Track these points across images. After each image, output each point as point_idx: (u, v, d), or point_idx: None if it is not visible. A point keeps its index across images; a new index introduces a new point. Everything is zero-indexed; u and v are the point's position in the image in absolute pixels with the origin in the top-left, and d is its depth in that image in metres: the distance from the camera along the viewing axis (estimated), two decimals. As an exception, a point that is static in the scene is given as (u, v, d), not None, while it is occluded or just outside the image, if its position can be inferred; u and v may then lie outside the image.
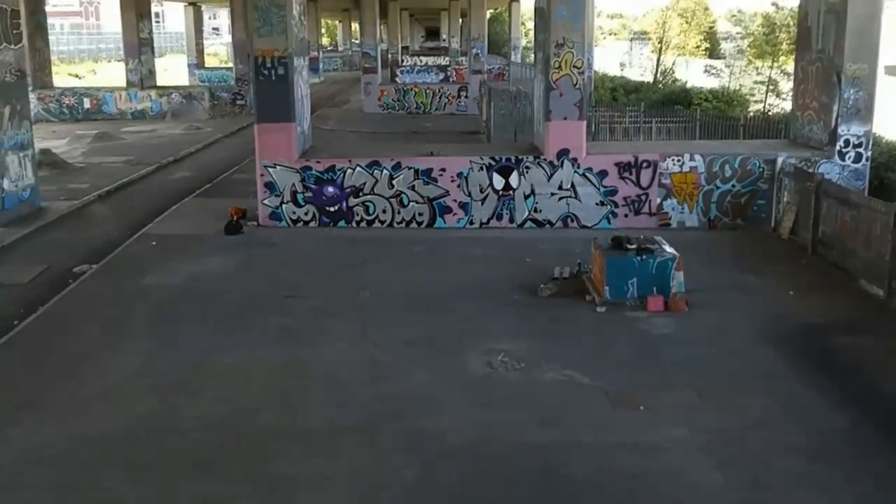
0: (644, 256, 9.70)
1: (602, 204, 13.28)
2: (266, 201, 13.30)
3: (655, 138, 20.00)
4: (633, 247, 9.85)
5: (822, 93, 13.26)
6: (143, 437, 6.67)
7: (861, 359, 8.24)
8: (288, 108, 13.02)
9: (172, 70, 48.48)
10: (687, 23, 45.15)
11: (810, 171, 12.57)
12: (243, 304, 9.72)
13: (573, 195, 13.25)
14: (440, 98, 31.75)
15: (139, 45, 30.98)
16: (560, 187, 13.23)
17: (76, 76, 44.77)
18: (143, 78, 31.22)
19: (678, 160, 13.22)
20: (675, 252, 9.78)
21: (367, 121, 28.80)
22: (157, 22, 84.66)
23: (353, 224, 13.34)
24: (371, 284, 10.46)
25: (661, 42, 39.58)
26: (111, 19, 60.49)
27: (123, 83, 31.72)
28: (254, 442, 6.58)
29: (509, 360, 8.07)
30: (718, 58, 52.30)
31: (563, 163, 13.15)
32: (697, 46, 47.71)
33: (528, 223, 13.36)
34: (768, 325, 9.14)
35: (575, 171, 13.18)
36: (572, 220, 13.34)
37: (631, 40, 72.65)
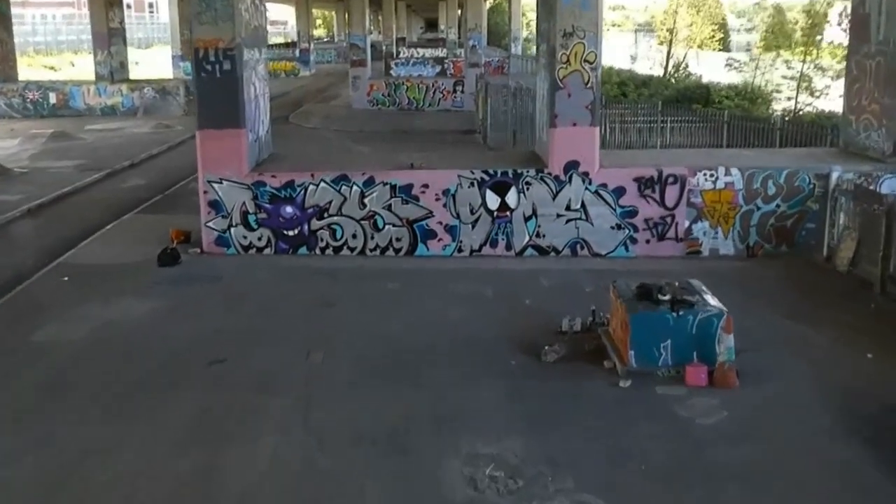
0: (681, 312, 7.40)
1: (618, 227, 10.98)
2: (211, 223, 10.99)
3: (672, 141, 17.74)
4: (667, 298, 7.54)
5: (884, 93, 10.96)
6: None
7: None
8: (235, 110, 10.70)
9: (159, 62, 46.03)
10: (697, 12, 42.67)
11: (876, 189, 10.28)
12: (156, 372, 7.42)
13: (583, 217, 10.95)
14: (434, 93, 29.40)
15: (109, 35, 28.65)
16: (568, 207, 10.93)
17: (52, 68, 42.38)
18: (113, 71, 28.89)
19: (711, 175, 10.91)
20: (720, 306, 7.47)
21: (353, 118, 26.48)
22: (151, 12, 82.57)
23: (317, 251, 11.04)
24: (327, 340, 8.18)
25: (671, 33, 37.13)
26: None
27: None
28: None
29: (501, 474, 5.78)
30: (727, 50, 49.94)
31: (571, 178, 10.85)
32: (711, 37, 45.18)
33: (528, 250, 11.06)
34: (846, 407, 6.84)
35: (586, 188, 10.88)
36: (582, 247, 11.04)
37: (636, 32, 70.40)
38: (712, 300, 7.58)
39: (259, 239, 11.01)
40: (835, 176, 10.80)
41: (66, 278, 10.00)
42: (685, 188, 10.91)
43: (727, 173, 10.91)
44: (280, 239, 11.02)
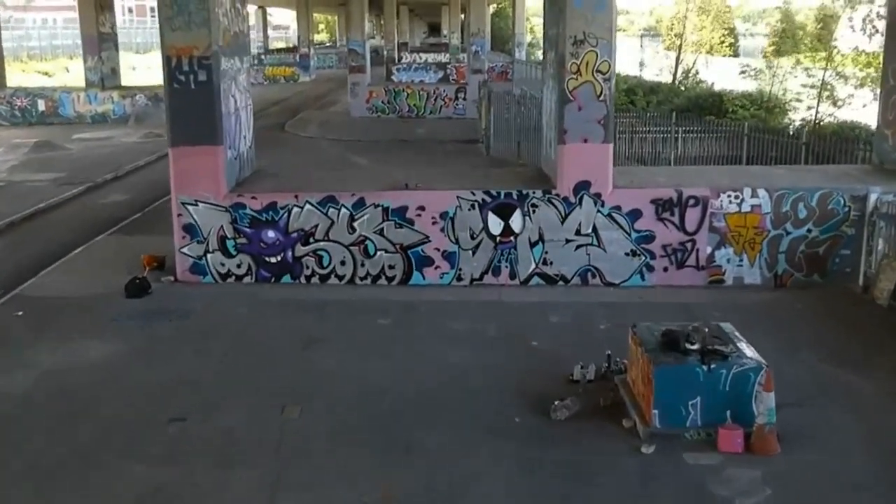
0: (713, 364, 6.38)
1: (634, 254, 9.97)
2: (185, 249, 10.00)
3: (687, 153, 16.72)
4: (696, 347, 6.53)
5: (926, 106, 9.95)
6: None
7: None
8: (212, 125, 9.71)
9: (158, 66, 45.03)
10: (706, 15, 41.54)
11: (921, 214, 9.27)
12: (104, 435, 6.40)
13: (595, 242, 9.94)
14: (436, 100, 28.34)
15: (99, 40, 27.64)
16: (578, 232, 9.92)
17: (45, 74, 41.46)
18: (103, 77, 27.91)
19: (736, 196, 9.89)
20: (758, 358, 6.45)
21: (352, 126, 25.50)
22: (153, 16, 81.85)
23: (302, 279, 10.04)
24: (305, 390, 7.17)
25: (680, 38, 36.05)
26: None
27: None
28: None
29: (505, 580, 4.77)
30: (736, 55, 48.87)
31: (581, 199, 9.84)
32: (721, 42, 44.03)
33: (534, 279, 10.05)
34: (912, 481, 5.84)
35: (598, 211, 9.87)
36: (594, 276, 10.03)
37: (641, 37, 69.46)
38: (748, 350, 6.56)
39: (238, 266, 10.02)
40: (873, 198, 9.79)
41: (20, 313, 8.99)
42: (707, 211, 9.90)
43: (753, 195, 9.88)
44: (261, 266, 10.03)
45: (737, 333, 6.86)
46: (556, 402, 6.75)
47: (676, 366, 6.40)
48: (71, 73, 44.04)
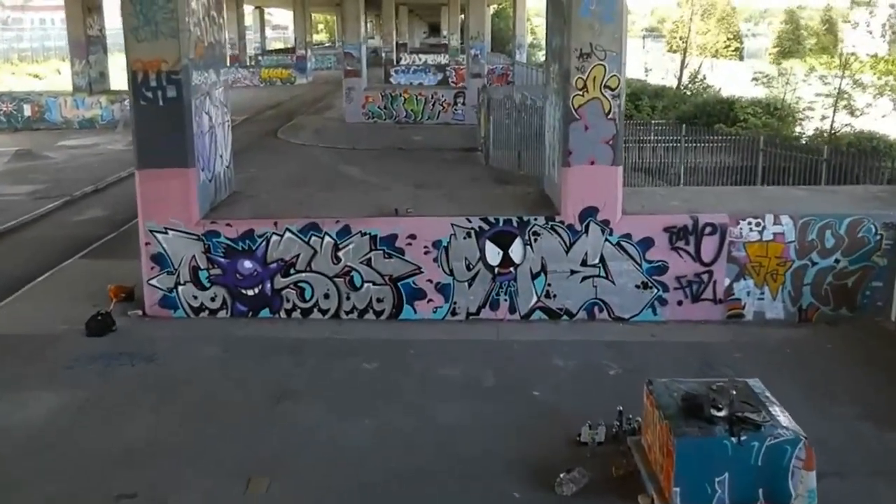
0: (743, 435, 5.51)
1: (645, 286, 9.10)
2: (154, 281, 9.14)
3: (696, 163, 15.86)
4: (723, 414, 5.65)
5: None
6: None
7: None
8: (183, 146, 8.83)
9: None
10: (710, 17, 40.55)
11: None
12: (39, 515, 5.56)
13: (602, 274, 9.07)
14: (434, 105, 27.50)
15: (87, 43, 26.79)
16: (584, 262, 9.05)
17: (36, 76, 40.62)
18: (91, 81, 27.06)
19: (757, 223, 9.01)
20: (795, 428, 5.57)
21: (346, 133, 24.61)
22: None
23: (282, 314, 9.17)
24: (275, 457, 6.30)
25: (684, 41, 35.12)
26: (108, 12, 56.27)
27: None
28: None
29: None
30: (741, 58, 47.99)
31: (588, 227, 8.97)
32: (727, 46, 43.09)
33: (536, 313, 9.18)
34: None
35: (606, 240, 9.00)
36: (601, 310, 9.16)
37: (643, 38, 68.68)
38: (783, 418, 5.68)
39: (212, 300, 9.15)
40: (907, 225, 8.93)
41: (-35, 357, 8.14)
42: (725, 239, 9.03)
43: (776, 222, 9.01)
44: (237, 300, 9.16)
45: (768, 394, 5.98)
46: (561, 475, 5.89)
47: (701, 438, 5.53)
48: (62, 75, 43.22)
